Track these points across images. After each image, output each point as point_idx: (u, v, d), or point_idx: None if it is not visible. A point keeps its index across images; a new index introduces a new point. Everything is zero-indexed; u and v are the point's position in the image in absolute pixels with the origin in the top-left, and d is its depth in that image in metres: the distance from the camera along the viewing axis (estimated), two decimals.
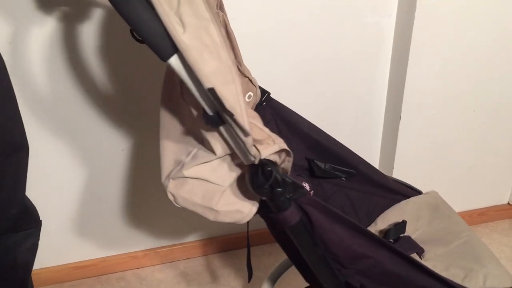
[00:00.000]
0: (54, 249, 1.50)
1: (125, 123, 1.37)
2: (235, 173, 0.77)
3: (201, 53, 0.61)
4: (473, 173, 1.73)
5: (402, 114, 1.51)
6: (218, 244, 1.66)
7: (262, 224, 1.76)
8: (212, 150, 0.74)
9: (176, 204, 0.80)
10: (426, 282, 0.81)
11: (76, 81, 1.27)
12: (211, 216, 0.79)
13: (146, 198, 1.51)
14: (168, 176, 0.80)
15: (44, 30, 1.18)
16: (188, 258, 1.64)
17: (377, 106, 1.56)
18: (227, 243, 1.67)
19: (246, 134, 0.66)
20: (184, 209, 1.56)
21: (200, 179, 0.77)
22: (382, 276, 0.82)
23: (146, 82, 1.32)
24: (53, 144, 1.34)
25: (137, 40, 0.68)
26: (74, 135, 1.34)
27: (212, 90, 0.61)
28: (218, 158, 0.74)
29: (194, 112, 0.73)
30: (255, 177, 0.71)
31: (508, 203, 1.86)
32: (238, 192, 0.78)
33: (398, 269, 0.81)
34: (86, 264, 1.55)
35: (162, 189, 1.61)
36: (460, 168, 1.71)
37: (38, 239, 1.05)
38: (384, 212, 1.11)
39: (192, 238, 1.64)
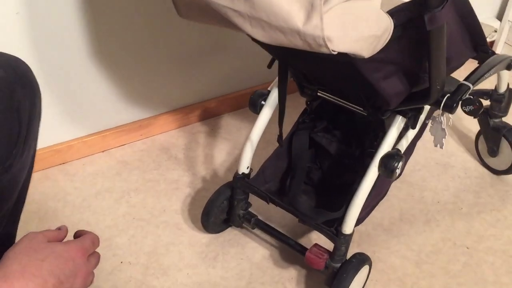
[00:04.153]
0: None
1: None
2: None
3: None
4: None
5: None
6: (155, 126, 1.41)
7: (197, 99, 1.48)
8: None
9: (332, 51, 0.61)
10: None
11: None
12: (369, 49, 0.66)
13: (65, 74, 1.19)
14: (311, 14, 0.58)
15: None
16: (123, 145, 1.38)
17: None
18: (165, 123, 1.42)
19: None
20: (112, 85, 1.27)
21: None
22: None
23: None
24: None
25: None
26: None
27: None
28: None
29: None
30: None
31: None
32: (382, 8, 0.66)
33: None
34: None
35: (86, 61, 1.28)
36: None
37: None
38: None
39: (125, 121, 1.36)
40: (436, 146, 0.94)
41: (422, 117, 0.94)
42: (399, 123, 0.91)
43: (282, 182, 1.11)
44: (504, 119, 1.26)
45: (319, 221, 0.97)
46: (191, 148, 1.38)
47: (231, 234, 1.15)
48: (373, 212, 1.19)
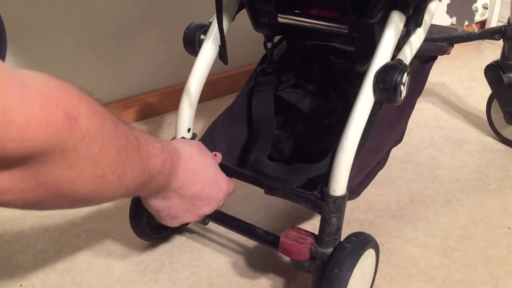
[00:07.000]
0: None
1: None
2: None
3: None
4: None
5: None
6: None
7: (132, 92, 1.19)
8: None
9: None
10: None
11: None
12: None
13: None
14: None
15: None
16: None
17: None
18: None
19: None
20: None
21: None
22: None
23: None
24: None
25: None
26: None
27: None
28: None
29: None
30: None
31: None
32: None
33: None
34: None
35: None
36: None
37: None
38: None
39: None
40: (463, 25, 0.65)
41: (428, 19, 0.67)
42: (397, 22, 0.64)
43: (241, 158, 0.80)
44: None
45: (295, 184, 0.66)
46: None
47: (182, 238, 0.83)
48: (374, 197, 0.89)
